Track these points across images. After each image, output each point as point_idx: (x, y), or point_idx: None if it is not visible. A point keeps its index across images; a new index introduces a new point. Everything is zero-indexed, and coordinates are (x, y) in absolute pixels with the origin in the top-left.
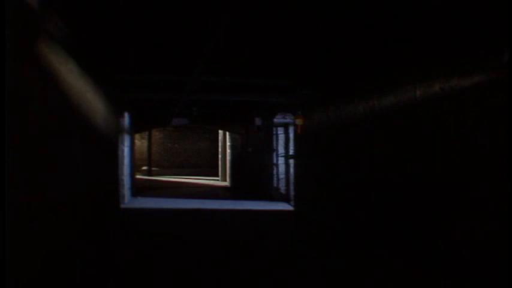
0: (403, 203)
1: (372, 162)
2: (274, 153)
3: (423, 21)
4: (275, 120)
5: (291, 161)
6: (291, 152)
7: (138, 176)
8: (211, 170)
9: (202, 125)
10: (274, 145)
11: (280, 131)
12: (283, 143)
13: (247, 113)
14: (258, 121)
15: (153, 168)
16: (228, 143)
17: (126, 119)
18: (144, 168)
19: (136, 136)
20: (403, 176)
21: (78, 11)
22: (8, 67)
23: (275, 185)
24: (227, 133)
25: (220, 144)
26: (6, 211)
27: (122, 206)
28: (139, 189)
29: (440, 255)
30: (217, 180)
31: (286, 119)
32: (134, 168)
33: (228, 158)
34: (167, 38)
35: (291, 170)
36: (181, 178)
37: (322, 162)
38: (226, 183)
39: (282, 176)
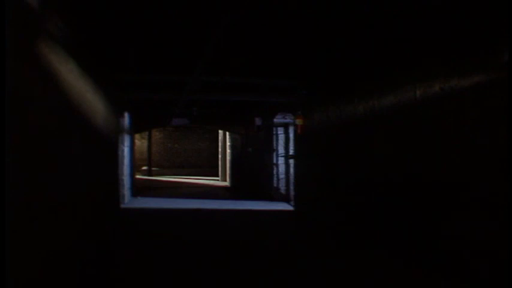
0: (403, 203)
1: (372, 162)
2: (274, 153)
3: (423, 21)
4: (275, 120)
5: (291, 161)
6: (291, 152)
7: (138, 176)
8: (211, 170)
9: (202, 125)
10: (274, 145)
11: (280, 131)
12: (283, 143)
13: (247, 113)
14: (258, 121)
15: (153, 168)
16: (228, 143)
17: (126, 119)
18: (144, 168)
19: (137, 136)
20: (403, 176)
21: (78, 11)
22: (8, 67)
23: (275, 185)
24: (227, 133)
25: (220, 144)
26: (6, 211)
27: (122, 206)
28: (139, 189)
29: (440, 255)
30: (217, 180)
31: (286, 119)
32: (134, 168)
33: (228, 158)
34: (167, 38)
35: (291, 170)
36: (181, 178)
37: (322, 162)
38: (226, 183)
39: (282, 176)
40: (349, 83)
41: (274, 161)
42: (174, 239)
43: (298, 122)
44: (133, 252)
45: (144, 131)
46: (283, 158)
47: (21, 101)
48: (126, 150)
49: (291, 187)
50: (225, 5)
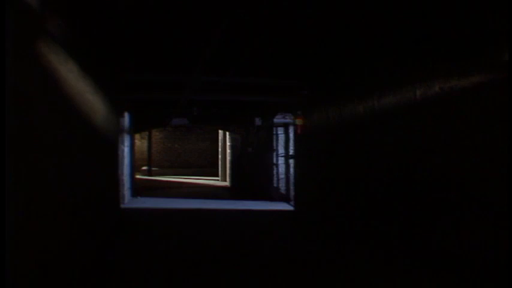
0: (403, 203)
1: (372, 162)
2: (274, 153)
3: (423, 21)
4: (275, 120)
5: (291, 161)
6: (291, 152)
7: (138, 176)
8: (211, 170)
9: (202, 125)
10: (274, 145)
11: (280, 131)
12: (283, 143)
13: (247, 113)
14: (258, 121)
15: (153, 168)
16: (228, 143)
17: (126, 119)
18: (144, 168)
19: (137, 136)
20: (403, 176)
21: (79, 11)
22: (8, 67)
23: (275, 185)
24: (227, 133)
25: (220, 144)
26: (6, 211)
27: (122, 206)
28: (139, 189)
29: (440, 255)
30: (217, 180)
31: (286, 119)
32: (134, 168)
33: (228, 158)
34: (168, 38)
35: (291, 170)
36: (182, 178)
37: (322, 162)
38: (226, 183)
39: (282, 176)
40: (349, 83)
41: (274, 161)
42: (174, 239)
43: (298, 122)
44: (133, 252)
45: (144, 131)
46: (283, 158)
47: (21, 101)
48: (126, 150)
49: (291, 187)
50: (225, 5)
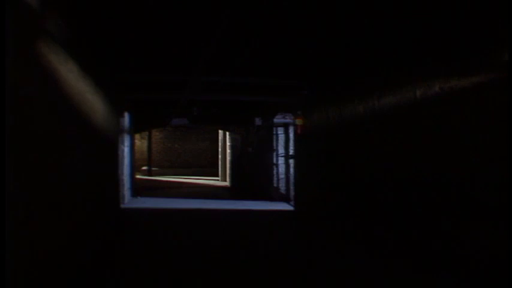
0: (402, 202)
1: (372, 162)
2: (274, 153)
3: (424, 21)
4: (275, 120)
5: (291, 161)
6: (291, 152)
7: (138, 176)
8: (211, 170)
9: (202, 125)
10: (274, 145)
11: (280, 131)
12: (283, 143)
13: (247, 113)
14: (258, 121)
15: (153, 168)
16: (228, 143)
17: (126, 119)
18: (144, 168)
19: (137, 136)
20: (403, 176)
21: (79, 11)
22: (8, 67)
23: (275, 185)
24: (227, 133)
25: (220, 144)
26: (6, 211)
27: (122, 206)
28: (139, 189)
29: (440, 255)
30: (217, 180)
31: (286, 119)
32: (134, 168)
33: (228, 158)
34: (168, 38)
35: (291, 170)
36: (181, 178)
37: (322, 162)
38: (226, 183)
39: (282, 176)
40: (349, 83)
41: (274, 161)
42: (174, 239)
43: (298, 122)
44: (133, 252)
45: (144, 131)
46: (283, 158)
47: (21, 101)
48: (126, 150)
49: (291, 187)
50: (225, 5)
